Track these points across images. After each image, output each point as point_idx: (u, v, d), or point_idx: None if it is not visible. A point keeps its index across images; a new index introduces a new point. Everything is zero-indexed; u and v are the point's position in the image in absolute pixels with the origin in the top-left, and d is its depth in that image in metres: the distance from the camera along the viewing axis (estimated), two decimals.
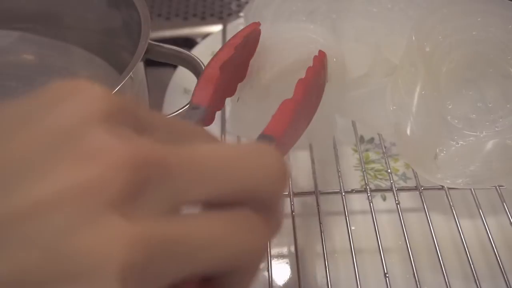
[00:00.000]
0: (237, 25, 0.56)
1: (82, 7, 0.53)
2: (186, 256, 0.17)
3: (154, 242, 0.16)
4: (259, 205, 0.20)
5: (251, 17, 0.54)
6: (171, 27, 0.64)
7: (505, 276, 0.37)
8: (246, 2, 0.60)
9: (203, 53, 0.54)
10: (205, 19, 0.65)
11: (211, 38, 0.59)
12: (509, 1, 0.44)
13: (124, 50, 0.49)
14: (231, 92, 0.40)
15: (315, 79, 0.36)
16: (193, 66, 0.43)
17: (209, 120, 0.34)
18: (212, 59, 0.35)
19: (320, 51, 0.39)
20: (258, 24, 0.40)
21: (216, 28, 0.61)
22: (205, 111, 0.32)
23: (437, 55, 0.43)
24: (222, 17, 0.65)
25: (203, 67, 0.43)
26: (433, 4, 0.43)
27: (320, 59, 0.38)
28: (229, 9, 0.67)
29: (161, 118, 0.20)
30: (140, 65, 0.43)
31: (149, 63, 0.46)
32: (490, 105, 0.43)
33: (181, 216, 0.18)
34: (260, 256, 0.20)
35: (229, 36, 0.56)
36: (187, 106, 0.38)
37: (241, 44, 0.37)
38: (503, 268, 0.37)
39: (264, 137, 0.29)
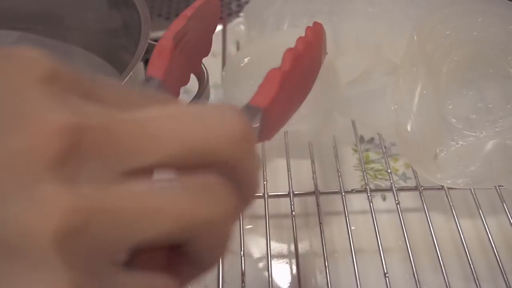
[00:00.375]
0: (237, 24, 0.56)
1: (82, 7, 0.53)
2: (126, 225, 0.16)
3: (90, 210, 0.15)
4: (226, 172, 0.18)
5: (252, 16, 0.54)
6: None
7: (505, 277, 0.37)
8: (246, 2, 0.60)
9: None
10: None
11: None
12: (510, 2, 0.44)
13: (124, 50, 0.49)
14: (195, 67, 0.39)
15: (306, 49, 0.34)
16: None
17: (170, 94, 0.33)
18: (165, 32, 0.35)
19: (315, 22, 0.38)
20: None
21: (216, 28, 0.61)
22: (159, 83, 0.31)
23: (438, 55, 0.43)
24: (222, 17, 0.65)
25: (203, 67, 0.43)
26: (434, 4, 0.43)
27: (314, 30, 0.37)
28: (229, 9, 0.67)
29: (112, 86, 0.19)
30: (140, 65, 0.43)
31: None
32: (490, 106, 0.43)
33: (125, 184, 0.17)
34: (222, 226, 0.18)
35: (229, 36, 0.57)
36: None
37: (196, 15, 0.36)
38: (503, 269, 0.37)
39: (249, 107, 0.28)
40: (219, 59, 0.55)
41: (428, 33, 0.43)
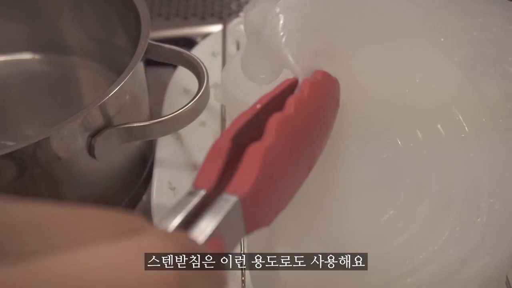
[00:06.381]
0: (237, 24, 0.56)
1: (81, 7, 0.53)
2: None
3: None
4: None
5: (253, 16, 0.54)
6: (171, 27, 0.64)
7: None
8: (246, 2, 0.60)
9: (203, 53, 0.54)
10: (205, 19, 0.65)
11: (211, 38, 0.59)
12: (510, 2, 0.44)
13: (124, 50, 0.49)
14: None
15: (301, 109, 0.28)
16: (193, 66, 0.43)
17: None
18: (227, 128, 0.28)
19: (317, 72, 0.31)
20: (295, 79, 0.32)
21: (216, 28, 0.61)
22: (204, 197, 0.25)
23: None
24: (222, 17, 0.65)
25: (203, 67, 0.43)
26: (434, 4, 0.43)
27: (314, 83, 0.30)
28: (229, 9, 0.67)
29: (29, 215, 0.17)
30: (140, 65, 0.43)
31: (149, 63, 0.46)
32: (490, 106, 0.43)
33: None
34: None
35: (229, 36, 0.57)
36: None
37: (271, 103, 0.29)
38: None
39: (224, 199, 0.24)
40: (219, 59, 0.55)
41: (428, 33, 0.43)
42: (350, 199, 0.34)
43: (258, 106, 0.29)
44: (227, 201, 0.24)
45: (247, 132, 0.28)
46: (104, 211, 0.18)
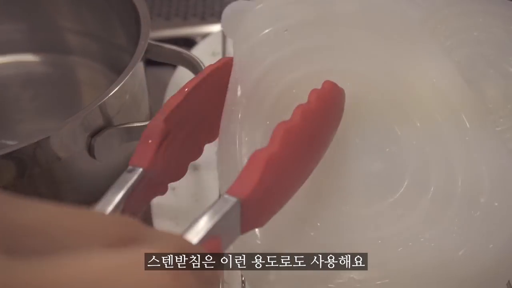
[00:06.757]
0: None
1: (80, 8, 0.53)
2: None
3: None
4: None
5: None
6: (171, 27, 0.64)
7: None
8: None
9: (203, 53, 0.54)
10: (205, 19, 0.65)
11: (211, 38, 0.59)
12: (510, 2, 0.44)
13: (123, 50, 0.49)
14: (195, 155, 0.34)
15: (308, 119, 0.29)
16: (193, 66, 0.43)
17: (154, 188, 0.29)
18: (158, 112, 0.30)
19: (325, 82, 0.31)
20: (229, 59, 0.34)
21: (216, 28, 0.61)
22: (143, 174, 0.27)
23: None
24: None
25: (203, 67, 0.43)
26: (434, 5, 0.43)
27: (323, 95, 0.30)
28: None
29: (43, 218, 0.17)
30: (140, 65, 0.43)
31: (149, 63, 0.46)
32: (490, 106, 0.43)
33: None
34: None
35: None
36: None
37: (200, 88, 0.32)
38: None
39: (224, 200, 0.24)
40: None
41: (429, 33, 0.43)
42: (350, 191, 0.34)
43: (186, 89, 0.31)
44: (227, 202, 0.24)
45: (178, 113, 0.30)
46: (102, 214, 0.19)
